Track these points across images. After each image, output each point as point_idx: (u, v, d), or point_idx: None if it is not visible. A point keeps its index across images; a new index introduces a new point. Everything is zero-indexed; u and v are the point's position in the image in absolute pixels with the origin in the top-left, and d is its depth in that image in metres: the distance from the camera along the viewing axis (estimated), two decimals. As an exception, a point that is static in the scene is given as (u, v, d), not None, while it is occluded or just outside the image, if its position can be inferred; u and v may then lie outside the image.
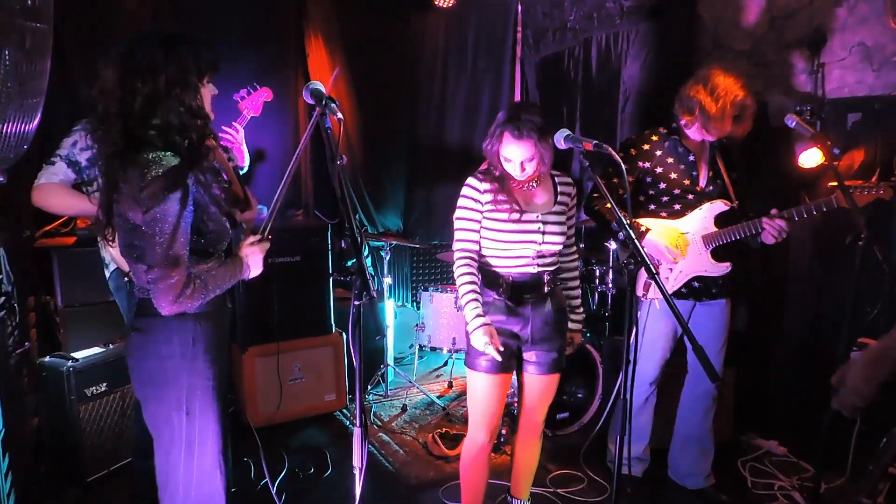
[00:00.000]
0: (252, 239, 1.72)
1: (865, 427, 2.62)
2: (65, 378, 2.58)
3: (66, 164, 2.19)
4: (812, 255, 2.99)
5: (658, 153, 2.51)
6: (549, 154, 1.98)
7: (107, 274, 2.39)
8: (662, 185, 2.50)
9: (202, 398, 1.65)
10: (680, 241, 2.48)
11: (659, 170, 2.50)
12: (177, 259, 1.48)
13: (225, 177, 2.31)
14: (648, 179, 2.51)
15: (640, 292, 2.50)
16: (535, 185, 2.05)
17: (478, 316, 2.00)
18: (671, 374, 2.85)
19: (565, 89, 4.29)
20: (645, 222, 2.47)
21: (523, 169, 1.97)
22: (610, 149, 1.85)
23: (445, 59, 4.53)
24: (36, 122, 1.78)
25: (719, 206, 2.47)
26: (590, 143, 1.87)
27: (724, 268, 2.50)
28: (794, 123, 2.28)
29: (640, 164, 2.51)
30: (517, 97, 4.75)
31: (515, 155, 1.94)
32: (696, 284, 2.54)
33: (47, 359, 2.69)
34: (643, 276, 2.42)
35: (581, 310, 2.31)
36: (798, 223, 2.38)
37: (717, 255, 2.50)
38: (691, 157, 2.50)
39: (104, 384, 2.72)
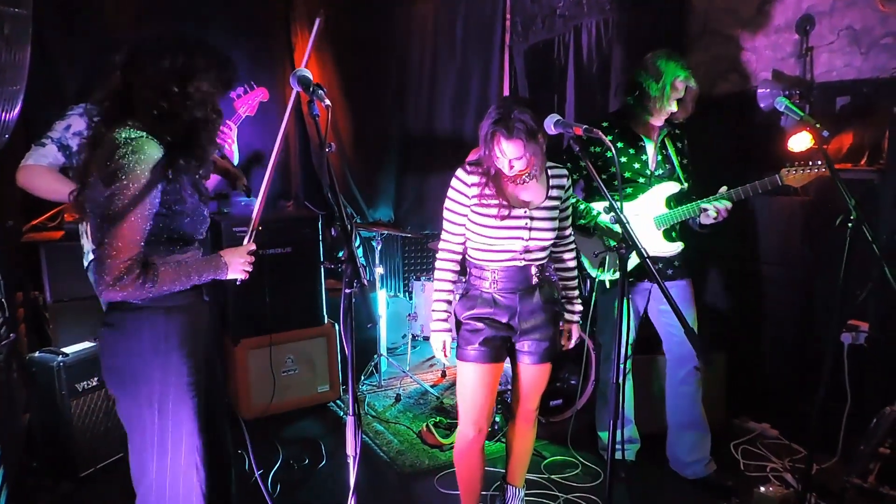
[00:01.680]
0: (248, 248, 1.71)
1: (855, 409, 2.65)
2: (55, 373, 2.56)
3: (56, 147, 2.14)
4: (802, 239, 3.00)
5: (608, 138, 2.55)
6: (539, 154, 1.98)
7: (85, 264, 2.35)
8: (613, 169, 2.56)
9: (176, 395, 1.59)
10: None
11: (609, 154, 2.55)
12: (128, 240, 1.43)
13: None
14: (599, 163, 2.59)
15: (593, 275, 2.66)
16: (527, 179, 2.04)
17: (440, 320, 2.12)
18: (643, 360, 2.92)
19: (555, 76, 4.26)
20: (598, 206, 2.58)
21: (511, 166, 1.97)
22: (600, 133, 1.84)
23: (434, 48, 4.49)
24: (17, 110, 1.74)
25: (669, 187, 2.57)
26: (580, 128, 1.87)
27: (675, 247, 2.59)
28: (783, 107, 2.29)
29: (591, 148, 2.57)
30: (506, 85, 4.72)
31: (505, 152, 1.95)
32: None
33: (37, 354, 2.66)
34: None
35: (579, 301, 2.29)
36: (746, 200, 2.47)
37: (670, 235, 2.59)
38: (640, 142, 2.58)
39: (95, 379, 2.70)
